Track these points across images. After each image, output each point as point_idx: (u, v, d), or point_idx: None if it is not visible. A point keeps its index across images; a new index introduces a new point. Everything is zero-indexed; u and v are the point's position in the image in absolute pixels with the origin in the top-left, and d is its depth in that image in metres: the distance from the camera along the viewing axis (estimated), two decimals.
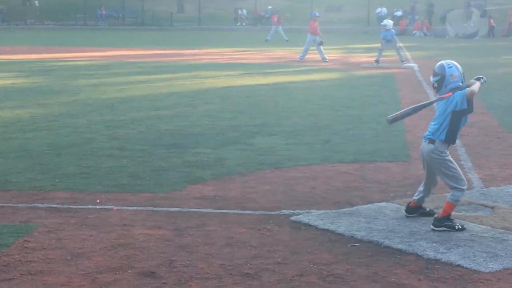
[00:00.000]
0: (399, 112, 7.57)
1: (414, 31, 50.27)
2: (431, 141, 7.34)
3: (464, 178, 7.36)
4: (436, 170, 7.40)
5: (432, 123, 7.39)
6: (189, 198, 8.55)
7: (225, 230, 7.34)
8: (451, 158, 7.38)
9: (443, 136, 7.28)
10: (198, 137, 12.40)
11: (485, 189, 9.04)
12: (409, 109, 7.57)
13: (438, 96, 7.39)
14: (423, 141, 7.47)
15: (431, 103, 7.54)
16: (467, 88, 7.17)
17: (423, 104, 7.62)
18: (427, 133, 7.41)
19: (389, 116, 7.51)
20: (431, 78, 7.43)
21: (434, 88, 7.45)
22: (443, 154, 7.31)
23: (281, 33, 39.57)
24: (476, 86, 7.19)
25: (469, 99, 7.17)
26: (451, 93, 7.23)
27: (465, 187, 7.30)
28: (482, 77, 7.40)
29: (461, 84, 7.29)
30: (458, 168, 7.37)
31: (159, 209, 8.10)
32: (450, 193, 7.33)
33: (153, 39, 42.77)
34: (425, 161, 7.46)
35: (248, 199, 8.53)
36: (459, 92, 7.22)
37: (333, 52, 31.57)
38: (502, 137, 12.57)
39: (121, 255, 6.55)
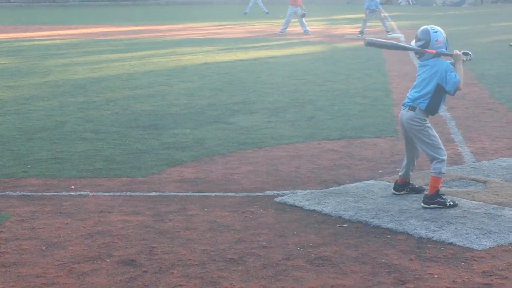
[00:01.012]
0: (380, 39, 7.62)
1: (400, 0, 50.25)
2: (412, 108, 7.39)
3: (444, 148, 7.41)
4: (415, 139, 7.45)
5: (413, 90, 7.45)
6: (168, 182, 8.53)
7: (207, 214, 7.33)
8: (431, 127, 7.45)
9: (424, 105, 7.34)
10: (176, 117, 12.37)
11: (476, 163, 9.08)
12: (390, 42, 7.64)
13: (425, 52, 7.40)
14: (402, 108, 7.52)
15: (414, 49, 7.51)
16: (457, 77, 7.23)
17: (405, 46, 7.67)
18: (406, 100, 7.48)
19: (368, 38, 7.55)
20: (414, 43, 7.45)
21: (417, 53, 7.48)
22: (423, 122, 7.38)
23: (261, 5, 39.43)
24: (460, 72, 7.29)
25: (458, 88, 7.28)
26: (434, 51, 7.30)
27: (445, 157, 7.35)
28: (469, 54, 7.45)
29: (445, 50, 7.37)
30: (438, 138, 7.44)
31: (137, 194, 8.08)
32: (432, 167, 7.37)
33: (127, 15, 42.53)
34: (404, 129, 7.50)
35: (230, 181, 8.53)
36: (449, 68, 7.26)
37: (316, 24, 31.52)
38: (494, 109, 12.62)
39: (98, 244, 6.53)
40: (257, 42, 25.26)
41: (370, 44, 7.54)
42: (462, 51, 7.43)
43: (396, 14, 37.66)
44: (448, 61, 7.42)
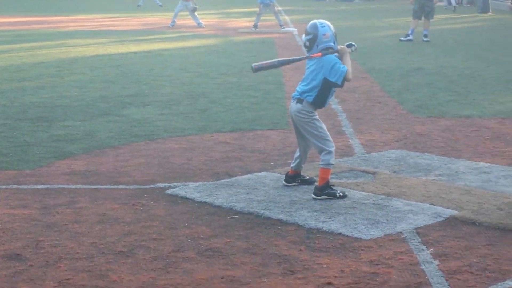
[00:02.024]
0: (265, 62, 7.66)
1: None
2: (299, 100, 7.51)
3: (332, 140, 7.54)
4: (303, 131, 7.57)
5: (301, 84, 7.58)
6: (57, 174, 8.39)
7: (96, 207, 7.25)
8: (319, 119, 7.57)
9: (311, 98, 7.47)
10: (66, 109, 12.17)
11: (366, 155, 9.26)
12: (275, 61, 7.75)
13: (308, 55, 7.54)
14: (291, 101, 7.62)
15: (299, 59, 7.67)
16: (345, 67, 7.34)
17: (291, 59, 7.78)
18: (295, 93, 7.60)
19: (254, 64, 7.59)
20: (303, 37, 7.57)
21: (306, 47, 7.62)
22: (310, 114, 7.49)
23: None
24: (348, 64, 7.42)
25: (346, 78, 7.40)
26: (320, 54, 7.41)
27: (332, 149, 7.48)
28: (354, 45, 7.61)
29: (332, 44, 7.48)
30: (326, 129, 7.57)
31: (24, 187, 7.92)
32: (320, 159, 7.50)
33: (12, 5, 41.54)
34: (294, 121, 7.61)
35: (121, 173, 8.45)
36: (336, 60, 7.38)
37: (209, 17, 31.52)
38: (383, 102, 12.89)
39: None
40: (151, 35, 25.08)
41: (258, 69, 7.57)
42: (346, 44, 7.59)
43: (289, 8, 38.01)
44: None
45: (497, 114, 11.78)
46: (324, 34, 7.47)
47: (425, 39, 22.34)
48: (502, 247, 6.22)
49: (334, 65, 7.37)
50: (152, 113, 11.85)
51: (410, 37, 22.48)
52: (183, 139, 10.17)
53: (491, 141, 10.01)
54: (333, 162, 7.51)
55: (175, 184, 8.02)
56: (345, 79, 7.42)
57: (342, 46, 7.56)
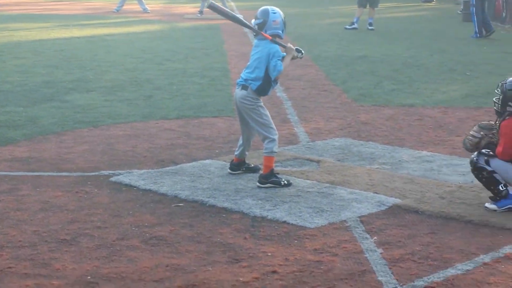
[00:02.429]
0: (223, 8, 7.74)
1: None
2: (244, 87, 7.55)
3: (275, 128, 7.59)
4: (248, 117, 7.60)
5: (245, 70, 7.62)
6: None
7: (39, 194, 7.17)
8: (264, 106, 7.61)
9: (254, 86, 7.51)
10: (8, 94, 11.99)
11: (311, 143, 9.31)
12: (231, 14, 7.80)
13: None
14: (236, 87, 7.64)
15: (251, 28, 7.66)
16: (281, 66, 7.43)
17: (244, 22, 7.78)
18: (240, 79, 7.63)
19: (213, 3, 7.65)
20: (253, 21, 7.59)
21: (254, 32, 7.62)
22: (255, 101, 7.54)
23: None
24: (286, 63, 7.50)
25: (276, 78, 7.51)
26: (270, 38, 7.46)
27: (276, 137, 7.53)
28: (302, 52, 7.67)
29: (281, 32, 7.52)
30: (270, 117, 7.62)
31: None
32: (264, 147, 7.53)
33: None
34: (238, 108, 7.62)
35: (64, 160, 8.37)
36: (278, 54, 7.43)
37: (155, 3, 31.29)
38: (329, 90, 12.95)
39: None
40: (95, 20, 24.82)
41: (212, 7, 7.62)
42: (296, 47, 7.62)
43: None
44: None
45: (440, 103, 11.93)
46: (274, 20, 7.52)
47: (370, 27, 22.48)
48: (444, 235, 6.32)
49: (274, 58, 7.41)
50: (96, 99, 11.74)
51: (355, 25, 22.59)
52: (127, 126, 10.11)
53: (434, 130, 10.14)
54: (276, 150, 7.54)
55: (119, 171, 7.97)
56: (277, 76, 7.50)
57: (291, 46, 7.60)
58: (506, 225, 6.53)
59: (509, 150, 6.83)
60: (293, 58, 7.64)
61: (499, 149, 6.87)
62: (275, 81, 7.58)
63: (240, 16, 8.19)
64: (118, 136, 9.51)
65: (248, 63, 7.64)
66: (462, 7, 27.10)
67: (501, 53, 18.05)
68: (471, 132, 7.14)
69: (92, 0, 33.61)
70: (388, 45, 19.10)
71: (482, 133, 7.07)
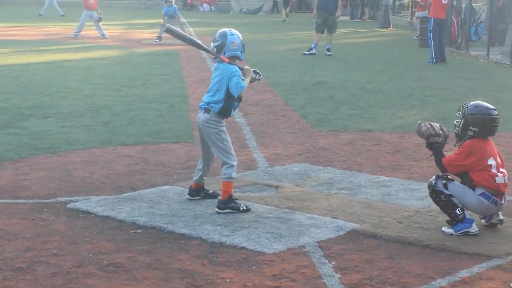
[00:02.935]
0: (181, 32, 7.75)
1: (199, 6, 50.74)
2: (207, 110, 7.56)
3: (235, 154, 7.62)
4: (209, 142, 7.62)
5: (207, 94, 7.66)
6: None
7: None
8: (226, 131, 7.63)
9: (216, 109, 7.53)
10: None
11: (270, 169, 9.33)
12: (189, 37, 7.81)
13: (218, 59, 7.61)
14: (199, 111, 7.66)
15: (208, 51, 7.69)
16: (244, 83, 7.45)
17: (202, 45, 7.77)
18: (202, 103, 7.65)
19: (169, 25, 7.73)
20: (212, 44, 7.63)
21: (212, 55, 7.66)
22: (218, 124, 7.56)
23: (56, 7, 38.57)
24: (246, 81, 7.55)
25: (240, 95, 7.53)
26: (228, 60, 7.50)
27: (235, 163, 7.55)
28: (260, 74, 7.71)
29: (239, 53, 7.57)
30: (230, 143, 7.65)
31: None
32: (223, 172, 7.55)
33: None
34: (201, 132, 7.65)
35: (20, 187, 8.29)
36: (238, 74, 7.45)
37: (113, 28, 31.24)
38: (287, 115, 13.01)
39: None
40: (52, 45, 24.70)
41: (170, 31, 7.66)
42: (253, 69, 7.67)
43: (195, 20, 38.00)
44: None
45: (397, 128, 12.04)
46: (232, 42, 7.57)
47: (328, 53, 22.67)
48: (402, 260, 6.36)
49: (234, 77, 7.45)
50: (53, 126, 11.66)
51: (313, 51, 22.77)
52: (85, 152, 10.05)
53: (392, 155, 10.22)
54: (234, 176, 7.56)
55: (77, 198, 7.91)
56: (240, 94, 7.52)
57: (248, 68, 7.65)
58: (463, 249, 6.59)
59: (456, 162, 6.98)
60: (252, 80, 7.68)
61: (448, 157, 7.02)
62: (239, 99, 7.56)
63: (198, 41, 8.21)
64: (76, 163, 9.45)
65: (209, 86, 7.66)
66: (418, 33, 27.50)
67: (457, 78, 18.31)
68: (432, 123, 7.27)
69: (49, 25, 33.47)
70: (346, 71, 19.27)
71: (440, 132, 7.21)
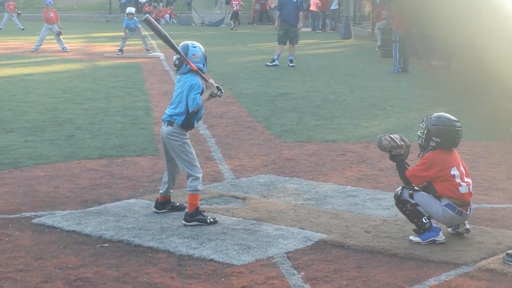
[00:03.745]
0: (157, 25, 7.69)
1: (160, 19, 50.69)
2: (170, 123, 7.57)
3: (199, 166, 7.62)
4: (173, 154, 7.62)
5: (170, 107, 7.67)
6: None
7: None
8: (190, 144, 7.63)
9: (179, 121, 7.54)
10: None
11: (236, 180, 9.33)
12: (163, 32, 7.69)
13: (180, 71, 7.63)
14: (162, 124, 7.66)
15: (179, 52, 7.64)
16: (200, 100, 7.49)
17: (174, 45, 7.69)
18: (165, 116, 7.64)
19: (149, 18, 7.69)
20: (174, 57, 7.64)
21: (175, 66, 7.71)
22: (182, 136, 7.57)
23: (16, 21, 38.32)
24: (204, 98, 7.56)
25: (194, 111, 7.53)
26: (195, 68, 7.55)
27: (200, 175, 7.55)
28: (221, 91, 7.71)
29: (202, 66, 7.62)
30: (195, 155, 7.64)
31: None
32: (188, 185, 7.54)
33: None
34: (165, 144, 7.64)
35: None
36: (198, 87, 7.47)
37: (74, 42, 31.09)
38: (252, 127, 13.02)
39: None
40: (12, 59, 24.51)
41: (148, 22, 7.66)
42: (217, 85, 7.66)
43: None
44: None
45: (362, 138, 12.10)
46: (194, 54, 7.60)
47: (290, 64, 22.74)
48: (370, 269, 6.39)
49: (192, 92, 7.46)
50: (15, 140, 11.56)
51: (276, 62, 22.84)
52: (49, 166, 9.97)
53: (357, 165, 10.27)
54: (200, 188, 7.56)
55: (42, 213, 7.84)
56: (195, 109, 7.53)
57: (212, 82, 7.63)
58: (431, 257, 6.64)
59: (418, 174, 7.04)
60: (212, 95, 7.67)
61: (411, 169, 7.07)
62: (194, 114, 7.57)
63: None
64: (40, 177, 9.37)
65: (172, 99, 7.66)
66: (379, 43, 27.69)
67: (419, 88, 18.47)
68: (392, 135, 7.32)
69: (9, 39, 33.20)
70: (310, 82, 19.35)
71: (402, 143, 7.27)
